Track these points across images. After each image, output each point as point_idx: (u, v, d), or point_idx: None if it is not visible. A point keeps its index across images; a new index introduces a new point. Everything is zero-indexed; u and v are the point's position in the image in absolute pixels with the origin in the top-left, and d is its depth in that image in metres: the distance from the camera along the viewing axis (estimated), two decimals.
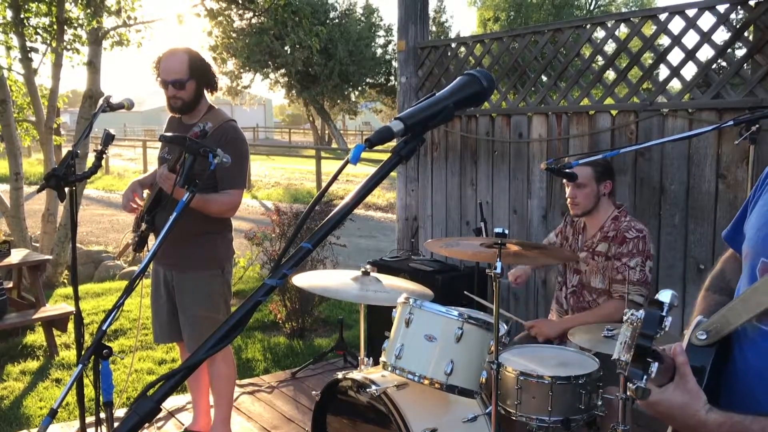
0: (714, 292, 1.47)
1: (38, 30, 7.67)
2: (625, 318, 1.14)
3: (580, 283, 3.15)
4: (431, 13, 23.76)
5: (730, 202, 3.48)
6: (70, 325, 5.16)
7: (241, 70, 27.45)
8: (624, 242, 2.97)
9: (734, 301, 1.25)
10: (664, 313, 1.09)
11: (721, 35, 3.61)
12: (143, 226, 2.98)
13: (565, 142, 4.20)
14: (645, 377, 1.07)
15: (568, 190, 3.11)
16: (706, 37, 3.53)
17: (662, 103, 3.76)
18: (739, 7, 3.49)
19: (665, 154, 3.72)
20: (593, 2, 35.43)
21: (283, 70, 27.57)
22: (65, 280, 7.79)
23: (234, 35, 23.14)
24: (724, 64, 4.85)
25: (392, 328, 2.57)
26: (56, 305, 5.62)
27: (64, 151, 6.78)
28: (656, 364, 1.07)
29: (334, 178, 1.05)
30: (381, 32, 30.19)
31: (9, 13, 7.37)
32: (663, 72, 3.86)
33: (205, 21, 10.01)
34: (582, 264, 3.14)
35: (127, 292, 2.07)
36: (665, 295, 1.12)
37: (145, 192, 3.14)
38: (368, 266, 2.98)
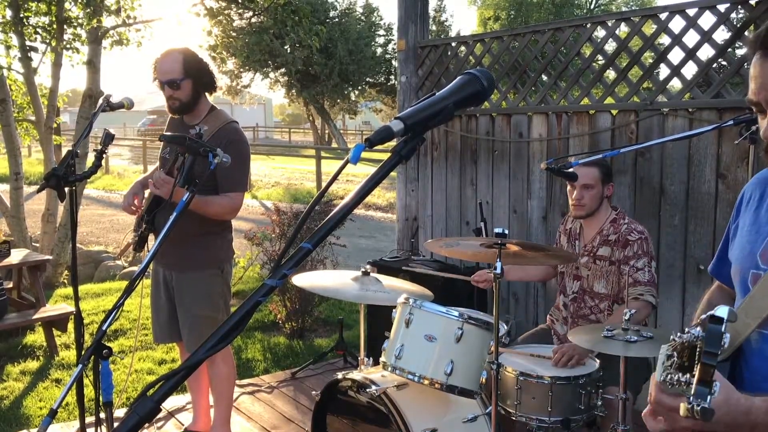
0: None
1: (38, 29, 7.66)
2: (673, 337, 1.09)
3: (581, 290, 3.10)
4: (431, 12, 23.80)
5: (730, 202, 3.48)
6: (70, 325, 5.16)
7: (241, 70, 27.46)
8: (627, 245, 2.93)
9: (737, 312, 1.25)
10: (723, 330, 1.03)
11: (722, 34, 3.61)
12: (143, 226, 2.97)
13: (565, 141, 4.20)
14: (710, 398, 1.00)
15: (574, 192, 3.02)
16: (706, 37, 3.53)
17: (662, 102, 3.76)
18: (739, 6, 3.49)
19: (665, 154, 3.72)
20: (593, 1, 35.40)
21: (282, 70, 27.57)
22: (65, 280, 7.78)
23: (234, 34, 23.12)
24: (724, 63, 4.85)
25: (392, 328, 2.57)
26: (56, 305, 5.62)
27: (64, 151, 6.78)
28: (718, 383, 1.01)
29: (334, 178, 1.04)
30: (381, 31, 30.21)
31: (9, 13, 7.36)
32: (663, 71, 3.86)
33: (205, 20, 10.02)
34: (583, 269, 3.08)
35: (127, 292, 2.07)
36: (723, 311, 1.06)
37: (147, 191, 3.14)
38: (368, 266, 2.98)
